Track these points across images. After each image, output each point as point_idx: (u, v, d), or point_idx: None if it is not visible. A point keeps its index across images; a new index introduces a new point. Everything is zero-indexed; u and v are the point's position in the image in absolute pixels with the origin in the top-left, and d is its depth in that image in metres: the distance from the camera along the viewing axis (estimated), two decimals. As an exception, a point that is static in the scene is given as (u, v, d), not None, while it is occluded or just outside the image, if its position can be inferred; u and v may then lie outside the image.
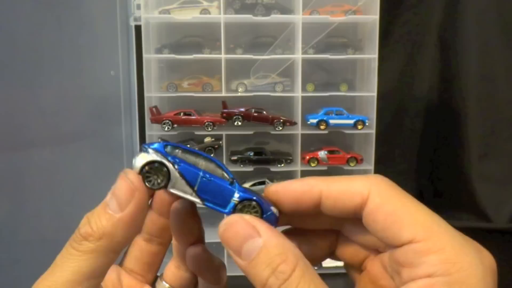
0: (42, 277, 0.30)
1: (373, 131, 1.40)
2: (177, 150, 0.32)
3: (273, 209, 0.32)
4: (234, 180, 0.32)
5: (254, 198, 0.32)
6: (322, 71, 1.54)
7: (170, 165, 0.31)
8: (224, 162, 1.41)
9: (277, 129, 1.40)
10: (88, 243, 0.29)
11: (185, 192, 0.32)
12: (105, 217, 0.30)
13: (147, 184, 0.32)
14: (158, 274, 0.41)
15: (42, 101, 1.10)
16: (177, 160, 0.31)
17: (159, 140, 0.33)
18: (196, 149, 0.34)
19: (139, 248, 0.39)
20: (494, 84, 1.79)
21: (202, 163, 0.32)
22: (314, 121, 1.41)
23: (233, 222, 0.29)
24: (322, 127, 1.41)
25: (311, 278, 0.27)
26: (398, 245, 0.28)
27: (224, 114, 1.40)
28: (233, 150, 1.47)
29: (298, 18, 1.35)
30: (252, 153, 1.44)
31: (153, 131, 1.41)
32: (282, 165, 1.43)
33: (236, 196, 0.31)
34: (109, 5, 1.45)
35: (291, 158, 1.44)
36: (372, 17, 1.36)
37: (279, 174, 1.45)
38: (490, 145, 1.82)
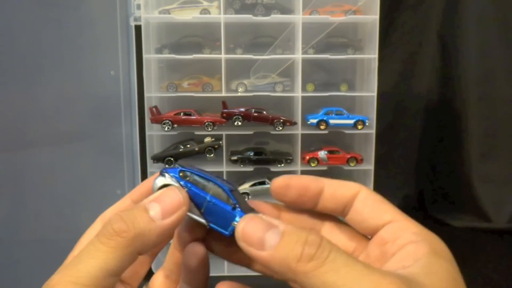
0: (63, 272, 0.29)
1: (373, 131, 1.41)
2: (190, 175, 0.36)
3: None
4: (237, 206, 0.35)
5: None
6: (322, 71, 1.54)
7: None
8: (224, 162, 1.41)
9: (277, 129, 1.40)
10: (121, 238, 0.29)
11: (193, 213, 0.35)
12: (144, 219, 0.31)
13: None
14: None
15: (42, 101, 1.10)
16: (188, 185, 0.35)
17: (177, 166, 0.37)
18: (206, 174, 0.37)
19: None
20: (494, 84, 1.79)
21: (211, 187, 0.36)
22: (314, 121, 1.41)
23: (251, 218, 0.31)
24: (322, 127, 1.41)
25: (335, 246, 0.29)
26: (382, 225, 0.33)
27: (224, 114, 1.40)
28: (233, 150, 1.47)
29: (298, 18, 1.35)
30: (252, 153, 1.44)
31: (153, 131, 1.41)
32: (282, 165, 1.43)
33: (237, 220, 0.34)
34: (109, 5, 1.45)
35: (291, 158, 1.44)
36: (372, 17, 1.36)
37: (279, 174, 1.44)
38: (490, 145, 1.82)
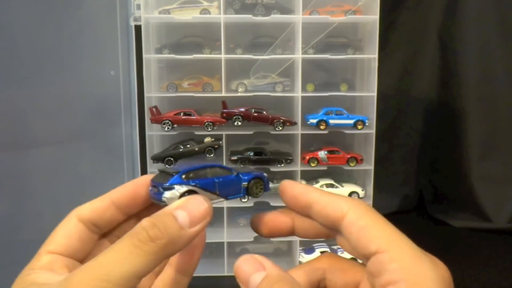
0: (87, 271, 0.29)
1: (373, 131, 1.40)
2: (189, 174, 0.40)
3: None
4: (238, 172, 0.43)
5: (256, 175, 0.44)
6: (322, 71, 1.54)
7: (195, 189, 0.39)
8: (224, 162, 1.41)
9: (277, 129, 1.40)
10: (155, 245, 0.30)
11: (212, 200, 0.38)
12: (175, 226, 0.32)
13: None
14: None
15: (42, 101, 1.10)
16: (196, 181, 0.40)
17: (172, 174, 0.42)
18: (198, 165, 0.42)
19: None
20: (494, 84, 1.79)
21: (209, 171, 0.41)
22: (314, 121, 1.41)
23: (244, 259, 0.33)
24: (322, 127, 1.41)
25: None
26: (368, 256, 0.31)
27: (224, 114, 1.40)
28: (233, 150, 1.47)
29: (298, 18, 1.35)
30: (252, 153, 1.44)
31: (153, 131, 1.41)
32: (282, 165, 1.43)
33: (244, 181, 0.43)
34: (109, 5, 1.45)
35: (291, 158, 1.44)
36: (372, 17, 1.36)
37: (279, 174, 1.45)
38: (490, 145, 1.82)
